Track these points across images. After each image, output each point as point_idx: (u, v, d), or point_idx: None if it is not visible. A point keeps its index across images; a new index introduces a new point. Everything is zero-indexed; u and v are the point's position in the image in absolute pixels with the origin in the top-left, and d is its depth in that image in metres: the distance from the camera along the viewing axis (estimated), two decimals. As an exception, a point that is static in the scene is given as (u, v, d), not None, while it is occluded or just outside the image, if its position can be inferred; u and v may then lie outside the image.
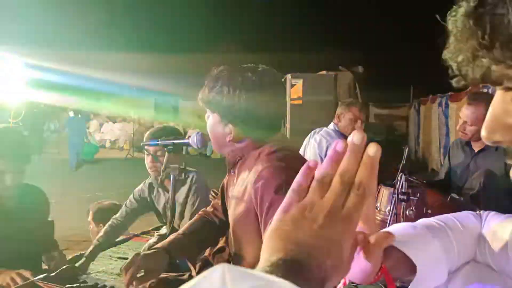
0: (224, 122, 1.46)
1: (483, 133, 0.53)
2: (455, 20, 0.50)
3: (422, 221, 0.84)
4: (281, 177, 1.32)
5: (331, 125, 3.45)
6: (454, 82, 0.52)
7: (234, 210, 1.48)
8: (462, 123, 2.70)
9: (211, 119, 1.51)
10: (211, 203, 1.76)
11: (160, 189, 2.51)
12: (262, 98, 1.41)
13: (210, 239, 1.67)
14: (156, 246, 1.52)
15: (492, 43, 0.46)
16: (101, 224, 3.14)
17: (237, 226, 1.48)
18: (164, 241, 1.55)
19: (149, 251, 1.45)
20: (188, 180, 2.44)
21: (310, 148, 3.46)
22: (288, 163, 1.37)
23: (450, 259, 0.78)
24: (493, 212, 0.87)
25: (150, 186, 2.55)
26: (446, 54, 0.52)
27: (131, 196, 2.59)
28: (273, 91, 1.46)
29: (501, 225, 0.81)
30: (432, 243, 0.76)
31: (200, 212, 1.75)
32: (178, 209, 2.36)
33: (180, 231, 1.61)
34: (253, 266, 1.38)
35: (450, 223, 0.82)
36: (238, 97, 1.39)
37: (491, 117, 0.53)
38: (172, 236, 1.57)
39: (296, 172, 1.54)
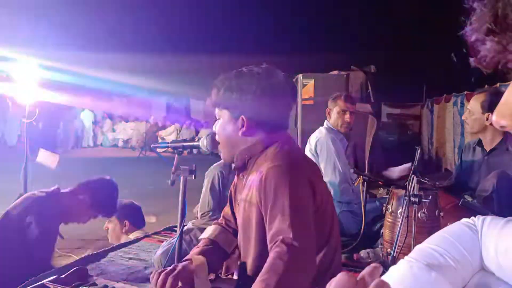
0: (235, 116, 1.50)
1: (493, 116, 0.56)
2: (473, 2, 0.50)
3: (422, 254, 0.82)
4: (286, 175, 1.34)
5: (324, 123, 3.49)
6: (471, 62, 0.53)
7: (242, 212, 1.49)
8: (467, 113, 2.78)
9: (221, 120, 1.54)
10: (222, 215, 1.77)
11: None
12: (268, 88, 1.47)
13: (228, 248, 1.67)
14: (195, 256, 1.51)
15: (501, 30, 0.47)
16: (125, 221, 3.15)
17: (246, 226, 1.49)
18: (195, 252, 1.55)
19: (187, 263, 1.45)
20: None
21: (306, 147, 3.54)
22: (293, 161, 1.40)
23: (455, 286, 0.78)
24: (488, 218, 0.86)
25: None
26: (465, 31, 0.52)
27: None
28: (278, 84, 1.50)
29: (505, 234, 0.80)
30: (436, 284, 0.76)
31: (213, 224, 1.75)
32: None
33: (203, 242, 1.62)
34: (260, 265, 1.37)
35: (452, 251, 0.80)
36: (247, 85, 1.45)
37: (503, 103, 0.55)
38: (198, 249, 1.58)
39: (301, 171, 1.55)
